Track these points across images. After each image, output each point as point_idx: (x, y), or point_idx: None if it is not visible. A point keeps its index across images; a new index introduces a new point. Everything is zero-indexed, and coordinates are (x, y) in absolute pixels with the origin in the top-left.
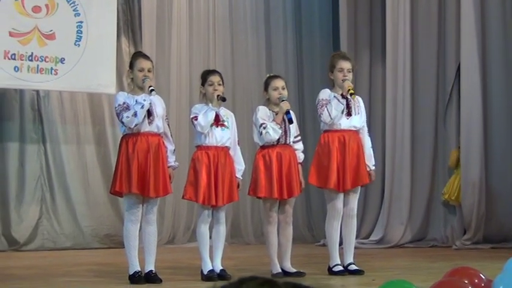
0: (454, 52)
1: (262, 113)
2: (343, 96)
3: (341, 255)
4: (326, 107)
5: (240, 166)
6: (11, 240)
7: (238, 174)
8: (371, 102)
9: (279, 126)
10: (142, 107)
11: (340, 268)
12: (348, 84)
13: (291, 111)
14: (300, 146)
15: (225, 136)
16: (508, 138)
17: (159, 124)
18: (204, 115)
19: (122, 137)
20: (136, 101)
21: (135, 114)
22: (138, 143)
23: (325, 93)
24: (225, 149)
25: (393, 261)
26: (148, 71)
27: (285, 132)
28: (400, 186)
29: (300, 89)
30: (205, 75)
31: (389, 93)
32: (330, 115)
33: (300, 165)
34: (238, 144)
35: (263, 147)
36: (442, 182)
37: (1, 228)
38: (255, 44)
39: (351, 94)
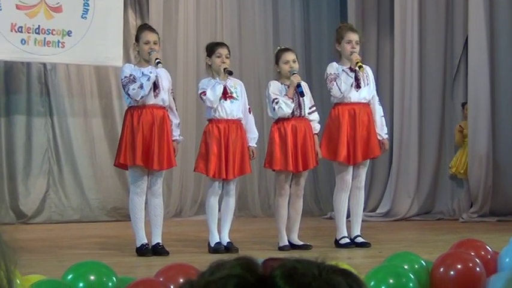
0: (461, 25)
1: (274, 87)
2: (351, 69)
3: (348, 228)
4: (335, 81)
5: (253, 134)
6: (19, 213)
7: (252, 143)
8: (379, 75)
9: (291, 100)
10: (148, 79)
11: (347, 241)
12: (356, 57)
13: (302, 84)
14: (315, 116)
15: (234, 108)
16: None
17: (164, 97)
18: (212, 89)
19: (127, 109)
20: (142, 73)
21: (141, 87)
22: (143, 115)
23: (332, 67)
24: (237, 122)
25: (400, 234)
26: (154, 43)
27: (299, 105)
28: (408, 159)
29: (307, 62)
30: (213, 47)
31: (397, 67)
32: (339, 89)
33: (316, 136)
34: (250, 112)
35: (278, 120)
36: (449, 155)
37: (9, 201)
38: (262, 17)
39: (360, 67)
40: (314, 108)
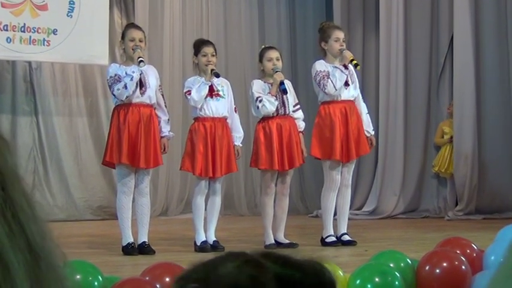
0: (447, 23)
1: (258, 86)
2: (345, 67)
3: (334, 226)
4: (329, 78)
5: (238, 133)
6: None
7: (238, 142)
8: (364, 74)
9: (275, 98)
10: (131, 79)
11: (334, 239)
12: (349, 55)
13: (285, 82)
14: (299, 114)
15: (220, 106)
16: (500, 109)
17: (151, 95)
18: (198, 90)
19: (114, 108)
20: (126, 73)
21: (125, 87)
22: (129, 113)
23: (321, 65)
24: (222, 120)
25: (386, 232)
26: (140, 41)
27: (283, 103)
28: (393, 157)
29: (293, 60)
30: (199, 45)
31: (383, 65)
32: (334, 86)
33: (301, 134)
34: (235, 111)
35: (263, 119)
36: (435, 153)
37: None
38: (248, 15)
39: (356, 65)
40: (298, 106)
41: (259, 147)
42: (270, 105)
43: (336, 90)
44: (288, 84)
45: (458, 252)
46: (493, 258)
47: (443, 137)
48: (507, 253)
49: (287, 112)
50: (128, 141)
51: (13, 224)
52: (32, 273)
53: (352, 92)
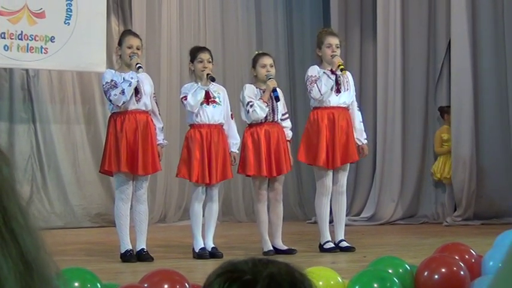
0: (444, 28)
1: (249, 91)
2: (332, 72)
3: (332, 232)
4: (316, 83)
5: (235, 140)
6: None
7: (234, 148)
8: (362, 79)
9: (266, 104)
10: (130, 84)
11: (332, 245)
12: (338, 60)
13: (277, 89)
14: (287, 123)
15: (216, 113)
16: (498, 114)
17: (146, 102)
18: (194, 94)
19: (110, 116)
20: (123, 78)
21: (122, 92)
22: (126, 121)
23: (313, 70)
24: (218, 127)
25: (384, 238)
26: (137, 48)
27: (273, 110)
28: (391, 163)
29: (290, 66)
30: (195, 52)
31: (380, 71)
32: (319, 91)
33: (288, 143)
34: (232, 118)
35: (251, 125)
36: (433, 159)
37: None
38: (245, 22)
39: (342, 70)
40: (287, 115)
41: (247, 154)
42: (260, 111)
43: (321, 95)
44: (279, 92)
45: (456, 257)
46: (491, 263)
47: (442, 144)
48: (508, 255)
49: (276, 119)
50: (126, 149)
51: (5, 232)
52: (24, 282)
53: (344, 99)
